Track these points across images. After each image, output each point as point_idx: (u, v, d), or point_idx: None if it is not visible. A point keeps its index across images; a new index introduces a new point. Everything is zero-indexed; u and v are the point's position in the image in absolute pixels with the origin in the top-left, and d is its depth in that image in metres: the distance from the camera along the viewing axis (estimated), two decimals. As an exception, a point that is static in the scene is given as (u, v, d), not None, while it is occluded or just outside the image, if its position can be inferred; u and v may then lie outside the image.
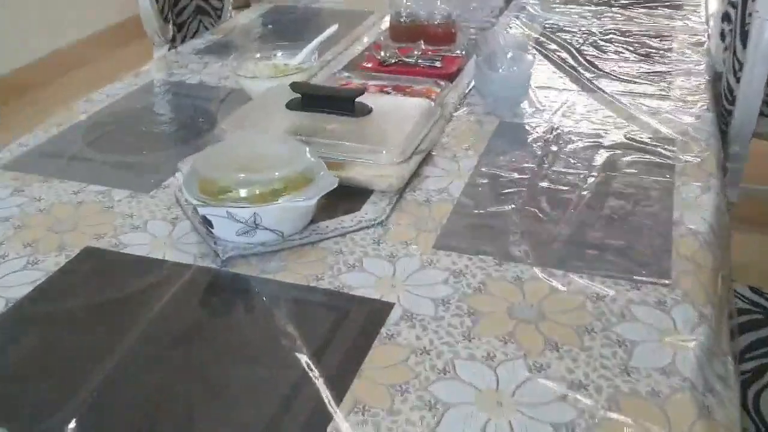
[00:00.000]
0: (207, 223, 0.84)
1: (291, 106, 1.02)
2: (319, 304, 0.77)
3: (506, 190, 0.96)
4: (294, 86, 1.03)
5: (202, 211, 0.83)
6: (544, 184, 0.97)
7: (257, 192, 0.82)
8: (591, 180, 0.97)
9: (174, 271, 0.82)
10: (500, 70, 1.17)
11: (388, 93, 1.19)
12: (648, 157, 1.03)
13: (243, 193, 0.82)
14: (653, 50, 1.41)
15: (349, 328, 0.73)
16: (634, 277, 0.78)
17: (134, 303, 0.78)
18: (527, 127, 1.13)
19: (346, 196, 0.87)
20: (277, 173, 0.84)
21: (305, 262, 0.83)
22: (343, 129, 0.98)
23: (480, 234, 0.87)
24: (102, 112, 1.23)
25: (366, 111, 0.99)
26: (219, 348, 0.71)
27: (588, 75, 1.31)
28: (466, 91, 1.26)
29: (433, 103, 1.04)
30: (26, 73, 3.17)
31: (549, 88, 1.27)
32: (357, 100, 1.00)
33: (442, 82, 1.21)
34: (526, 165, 1.02)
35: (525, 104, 1.20)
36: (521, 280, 0.79)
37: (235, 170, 0.85)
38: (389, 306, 0.75)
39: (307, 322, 0.74)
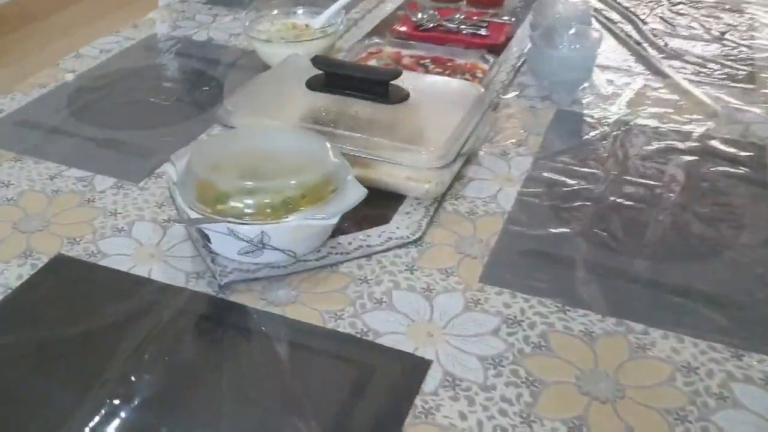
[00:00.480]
0: (204, 235, 0.69)
1: (311, 85, 0.84)
2: (337, 357, 0.61)
3: (568, 204, 0.79)
4: (316, 61, 0.86)
5: (198, 224, 0.67)
6: (613, 198, 0.80)
7: (266, 202, 0.66)
8: (670, 197, 0.80)
9: (160, 296, 0.67)
10: (560, 48, 0.99)
11: (426, 67, 1.01)
12: (739, 169, 0.85)
13: (249, 204, 0.66)
14: (731, 27, 1.22)
15: (375, 395, 0.57)
16: (733, 341, 0.62)
17: (108, 337, 0.62)
18: (589, 119, 0.96)
19: (373, 202, 0.70)
20: (292, 181, 0.67)
21: (322, 293, 0.67)
22: (374, 119, 0.81)
23: (538, 264, 0.71)
24: (92, 73, 1.06)
25: (402, 97, 0.82)
26: (203, 406, 0.57)
27: (656, 54, 1.12)
28: (517, 68, 1.08)
29: (482, 89, 0.87)
30: (27, 2, 2.97)
31: (612, 69, 1.08)
32: (392, 83, 0.82)
33: (490, 57, 1.03)
34: (589, 170, 0.85)
35: (584, 88, 1.02)
36: (592, 335, 0.63)
37: (240, 172, 0.69)
38: (426, 364, 0.60)
39: (321, 380, 0.59)
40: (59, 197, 0.79)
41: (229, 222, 0.65)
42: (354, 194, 0.69)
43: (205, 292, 0.67)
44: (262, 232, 0.65)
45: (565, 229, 0.75)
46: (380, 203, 0.77)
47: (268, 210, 0.66)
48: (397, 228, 0.75)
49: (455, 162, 0.77)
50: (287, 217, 0.66)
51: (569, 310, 0.65)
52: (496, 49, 1.10)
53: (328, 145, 0.73)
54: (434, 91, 0.86)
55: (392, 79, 0.82)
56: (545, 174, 0.84)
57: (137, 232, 0.74)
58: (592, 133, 0.92)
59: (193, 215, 0.67)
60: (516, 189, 0.81)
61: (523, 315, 0.65)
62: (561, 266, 0.70)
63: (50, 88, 1.01)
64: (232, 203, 0.66)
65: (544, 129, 0.93)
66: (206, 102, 0.98)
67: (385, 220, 0.76)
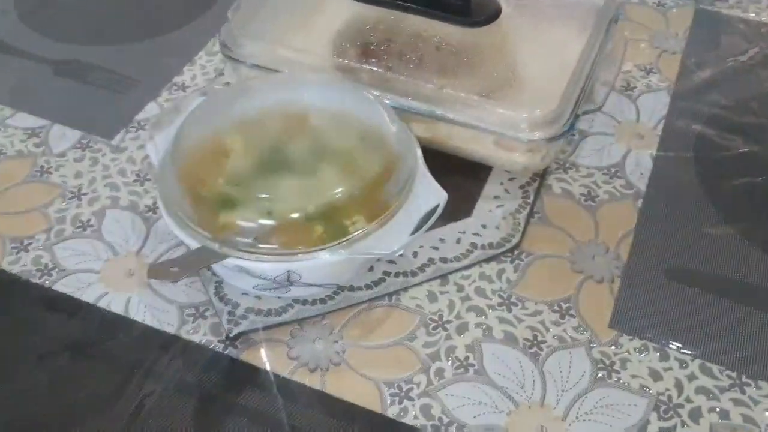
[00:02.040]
0: (201, 256, 0.46)
1: (354, -9, 0.57)
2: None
3: (729, 182, 0.54)
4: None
5: (181, 275, 0.44)
6: (796, 169, 0.55)
7: (295, 218, 0.43)
8: None
9: (138, 346, 0.46)
10: None
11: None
12: None
13: (267, 224, 0.43)
14: None
15: None
16: None
17: (64, 414, 0.43)
18: (741, 24, 0.68)
19: (443, 179, 0.46)
20: (337, 188, 0.44)
21: (378, 348, 0.45)
22: (447, 50, 0.55)
23: (694, 295, 0.48)
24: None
25: (491, 14, 0.55)
26: None
27: None
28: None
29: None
30: None
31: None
32: (475, -9, 0.55)
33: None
34: (755, 119, 0.59)
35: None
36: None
37: (253, 161, 0.45)
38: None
39: None
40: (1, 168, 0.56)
41: (238, 258, 0.42)
42: (428, 198, 0.45)
43: (206, 344, 0.46)
44: (289, 271, 0.43)
45: (729, 229, 0.51)
46: (453, 181, 0.52)
47: (297, 231, 0.43)
48: (483, 227, 0.51)
49: (574, 120, 0.51)
50: (327, 245, 0.43)
51: (749, 385, 0.43)
52: None
53: (383, 107, 0.48)
54: (537, 3, 0.58)
55: (476, -13, 0.55)
56: (692, 125, 0.58)
57: (110, 228, 0.52)
58: (748, 52, 0.65)
59: (182, 235, 0.44)
60: (650, 153, 0.56)
61: (680, 393, 0.43)
62: (728, 298, 0.47)
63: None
64: (242, 220, 0.43)
65: (682, 43, 0.65)
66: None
67: (463, 211, 0.52)
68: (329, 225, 0.43)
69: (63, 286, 0.48)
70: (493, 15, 0.55)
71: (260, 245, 0.42)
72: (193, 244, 0.43)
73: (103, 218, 0.53)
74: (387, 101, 0.50)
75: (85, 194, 0.54)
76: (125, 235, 0.51)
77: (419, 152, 0.48)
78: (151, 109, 0.60)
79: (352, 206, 0.44)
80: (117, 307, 0.47)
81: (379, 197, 0.44)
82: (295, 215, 0.43)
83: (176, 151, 0.46)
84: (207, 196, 0.44)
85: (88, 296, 0.48)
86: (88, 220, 0.52)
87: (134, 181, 0.55)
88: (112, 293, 0.48)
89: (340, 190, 0.43)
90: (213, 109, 0.50)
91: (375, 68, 0.53)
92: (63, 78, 0.63)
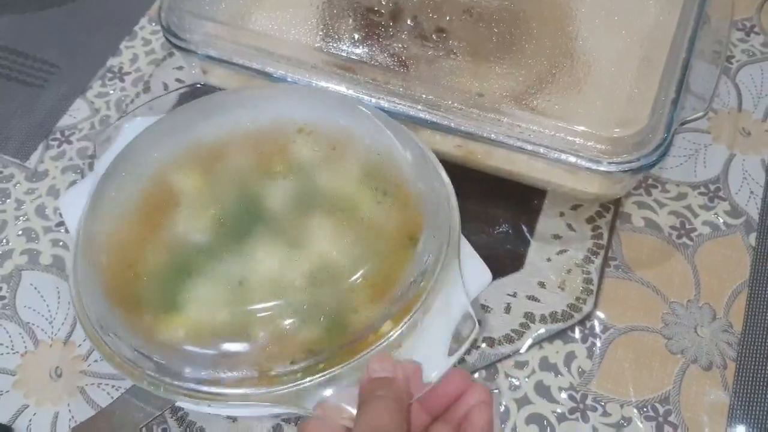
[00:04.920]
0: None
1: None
2: None
3: None
4: None
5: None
6: None
7: (276, 324, 0.29)
8: None
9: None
10: None
11: None
12: None
13: (233, 342, 0.29)
14: None
15: None
16: None
17: None
18: None
19: (474, 205, 0.34)
20: (338, 265, 0.30)
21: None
22: (481, 19, 0.39)
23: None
24: None
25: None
26: None
27: None
28: None
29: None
30: None
31: None
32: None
33: None
34: None
35: None
36: None
37: (208, 222, 0.31)
38: None
39: None
40: None
41: (214, 405, 0.28)
42: (473, 277, 0.31)
43: (165, 490, 0.33)
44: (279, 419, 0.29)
45: None
46: (492, 213, 0.38)
47: (282, 342, 0.29)
48: (541, 286, 0.37)
49: (671, 138, 0.36)
50: (328, 371, 0.29)
51: None
52: None
53: (415, 139, 0.33)
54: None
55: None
56: (812, 113, 0.43)
57: (27, 301, 0.38)
58: None
59: (112, 354, 0.30)
60: (761, 158, 0.41)
61: None
62: None
63: None
64: (193, 333, 0.29)
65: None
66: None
67: (510, 259, 0.38)
68: (328, 329, 0.29)
69: (-37, 399, 0.35)
70: (548, -27, 0.38)
71: (224, 376, 0.28)
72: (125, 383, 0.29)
73: (18, 286, 0.38)
74: (400, 109, 0.35)
75: (-8, 255, 0.40)
76: (48, 312, 0.37)
77: (454, 200, 0.33)
78: (78, 111, 0.44)
79: (362, 296, 0.30)
80: (39, 426, 0.34)
81: (397, 277, 0.30)
82: (284, 321, 0.29)
83: (95, 217, 0.31)
84: (140, 290, 0.30)
85: (0, 412, 0.35)
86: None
87: (58, 224, 0.40)
88: (34, 407, 0.35)
89: (344, 267, 0.29)
90: (156, 139, 0.34)
91: (382, 58, 0.37)
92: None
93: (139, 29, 0.48)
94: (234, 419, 0.33)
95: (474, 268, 0.31)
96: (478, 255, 0.31)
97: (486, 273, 0.31)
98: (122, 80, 0.46)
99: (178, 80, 0.45)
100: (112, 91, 0.45)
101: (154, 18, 0.48)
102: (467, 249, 0.32)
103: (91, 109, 0.44)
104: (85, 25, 0.48)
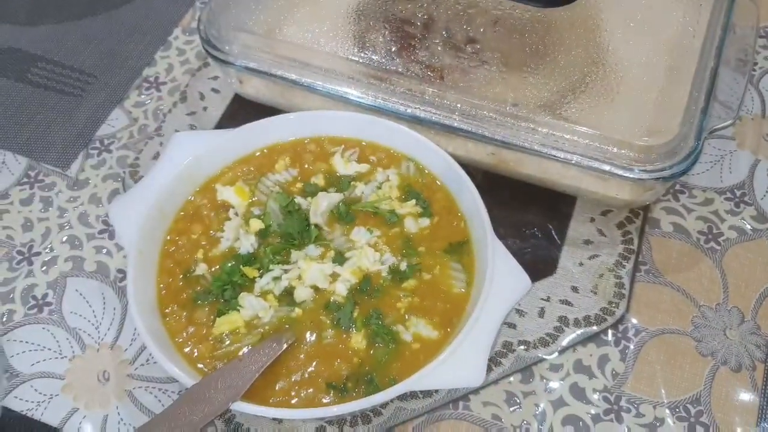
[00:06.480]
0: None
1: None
2: None
3: None
4: None
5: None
6: None
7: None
8: None
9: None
10: None
11: None
12: None
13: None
14: None
15: None
16: None
17: None
18: None
19: (505, 209, 0.35)
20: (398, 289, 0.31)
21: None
22: (512, 29, 0.39)
23: None
24: None
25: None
26: None
27: None
28: None
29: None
30: None
31: None
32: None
33: None
34: None
35: None
36: None
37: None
38: None
39: None
40: (-75, 211, 0.43)
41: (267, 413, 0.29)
42: (513, 285, 0.32)
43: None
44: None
45: None
46: (523, 218, 0.40)
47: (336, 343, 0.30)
48: (574, 290, 0.38)
49: (701, 145, 0.37)
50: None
51: None
52: None
53: (439, 150, 0.34)
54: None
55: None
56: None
57: (73, 306, 0.39)
58: None
59: (173, 370, 0.31)
60: (785, 162, 0.42)
61: None
62: None
63: None
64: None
65: (811, -8, 0.50)
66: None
67: (542, 264, 0.39)
68: (376, 332, 0.31)
69: (15, 403, 0.36)
70: (579, -13, 0.39)
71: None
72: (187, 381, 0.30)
73: (65, 290, 0.39)
74: (435, 118, 0.36)
75: (36, 253, 0.41)
76: (94, 317, 0.39)
77: (485, 216, 0.34)
78: (116, 120, 0.46)
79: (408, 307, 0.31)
80: (86, 428, 0.35)
81: (440, 286, 0.31)
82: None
83: (151, 241, 0.32)
84: (197, 305, 0.31)
85: (50, 416, 0.36)
86: (44, 296, 0.39)
87: (101, 231, 0.41)
88: (83, 410, 0.36)
89: (388, 278, 0.31)
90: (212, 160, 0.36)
91: (417, 68, 0.38)
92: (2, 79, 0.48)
93: (173, 39, 0.49)
94: (280, 421, 0.34)
95: (514, 276, 0.32)
96: (517, 262, 0.32)
97: (525, 280, 0.32)
98: (159, 90, 0.47)
99: (214, 90, 0.46)
100: (149, 101, 0.46)
101: (188, 28, 0.50)
102: (506, 257, 0.33)
103: (129, 119, 0.45)
104: (119, 34, 0.49)
